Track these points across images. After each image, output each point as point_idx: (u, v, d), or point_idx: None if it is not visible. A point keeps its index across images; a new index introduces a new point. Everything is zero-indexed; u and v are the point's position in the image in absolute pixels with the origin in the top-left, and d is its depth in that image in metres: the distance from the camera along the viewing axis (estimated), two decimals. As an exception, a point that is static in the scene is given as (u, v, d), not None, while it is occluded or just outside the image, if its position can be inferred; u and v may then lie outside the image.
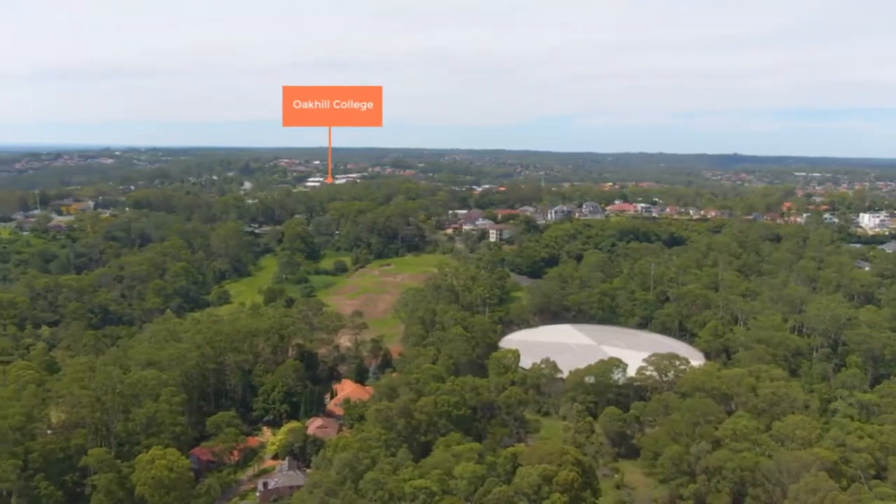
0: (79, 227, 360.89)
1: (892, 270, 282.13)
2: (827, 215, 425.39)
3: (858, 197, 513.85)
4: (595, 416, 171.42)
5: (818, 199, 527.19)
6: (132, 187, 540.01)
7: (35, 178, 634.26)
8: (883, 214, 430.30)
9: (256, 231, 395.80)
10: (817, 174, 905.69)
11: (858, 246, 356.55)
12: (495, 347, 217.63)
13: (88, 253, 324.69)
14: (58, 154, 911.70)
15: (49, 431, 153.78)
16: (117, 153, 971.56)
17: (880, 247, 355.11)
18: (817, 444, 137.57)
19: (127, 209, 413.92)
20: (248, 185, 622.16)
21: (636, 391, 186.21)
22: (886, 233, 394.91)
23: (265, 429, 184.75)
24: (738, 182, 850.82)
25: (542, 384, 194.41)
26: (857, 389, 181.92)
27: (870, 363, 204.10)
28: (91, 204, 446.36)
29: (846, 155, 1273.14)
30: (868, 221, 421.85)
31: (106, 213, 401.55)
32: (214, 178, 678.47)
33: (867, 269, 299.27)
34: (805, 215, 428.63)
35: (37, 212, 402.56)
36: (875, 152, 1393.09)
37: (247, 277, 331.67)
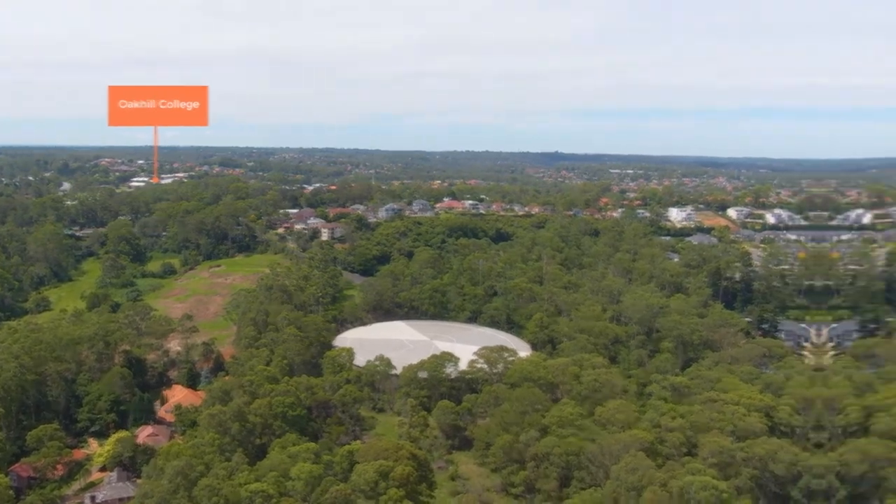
0: None
1: (697, 261, 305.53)
2: (640, 210, 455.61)
3: (667, 193, 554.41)
4: (429, 410, 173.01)
5: (632, 195, 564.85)
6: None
7: None
8: (689, 209, 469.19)
9: (77, 234, 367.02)
10: (630, 171, 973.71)
11: (668, 238, 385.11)
12: (329, 346, 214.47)
13: None
14: None
15: None
16: None
17: (687, 239, 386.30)
18: (635, 426, 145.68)
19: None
20: (66, 185, 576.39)
21: (468, 384, 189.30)
22: (692, 226, 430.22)
23: (91, 440, 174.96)
24: (560, 179, 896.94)
25: (377, 381, 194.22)
26: (670, 373, 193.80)
27: (680, 348, 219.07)
28: None
29: (655, 153, 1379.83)
30: (676, 215, 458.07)
31: None
32: (30, 178, 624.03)
33: (676, 260, 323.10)
34: (620, 210, 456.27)
35: None
36: (681, 150, 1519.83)
37: (68, 283, 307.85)
